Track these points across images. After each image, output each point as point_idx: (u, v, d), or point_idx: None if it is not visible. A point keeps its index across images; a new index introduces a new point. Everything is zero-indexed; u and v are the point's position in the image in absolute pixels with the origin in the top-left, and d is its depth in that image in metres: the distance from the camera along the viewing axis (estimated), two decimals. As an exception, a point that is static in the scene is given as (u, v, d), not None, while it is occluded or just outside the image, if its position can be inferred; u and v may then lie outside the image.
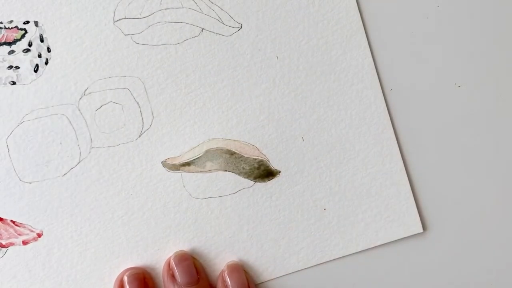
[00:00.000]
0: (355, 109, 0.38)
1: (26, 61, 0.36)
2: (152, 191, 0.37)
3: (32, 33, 0.36)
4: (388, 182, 0.38)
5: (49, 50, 0.36)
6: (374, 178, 0.38)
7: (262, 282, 0.38)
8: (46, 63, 0.36)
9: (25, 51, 0.36)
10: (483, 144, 0.39)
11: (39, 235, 0.37)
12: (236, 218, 0.38)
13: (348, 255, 0.38)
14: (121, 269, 0.37)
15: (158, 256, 0.37)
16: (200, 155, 0.37)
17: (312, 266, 0.38)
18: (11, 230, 0.37)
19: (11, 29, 0.36)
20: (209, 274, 0.38)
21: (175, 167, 0.37)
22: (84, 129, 0.37)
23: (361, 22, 0.38)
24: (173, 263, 0.36)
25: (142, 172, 0.37)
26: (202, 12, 0.37)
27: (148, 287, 0.36)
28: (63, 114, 0.37)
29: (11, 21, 0.36)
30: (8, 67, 0.36)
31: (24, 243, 0.37)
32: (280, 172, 0.38)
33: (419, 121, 0.39)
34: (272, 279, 0.38)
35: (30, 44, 0.36)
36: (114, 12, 0.36)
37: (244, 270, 0.37)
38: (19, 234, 0.37)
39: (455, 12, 0.39)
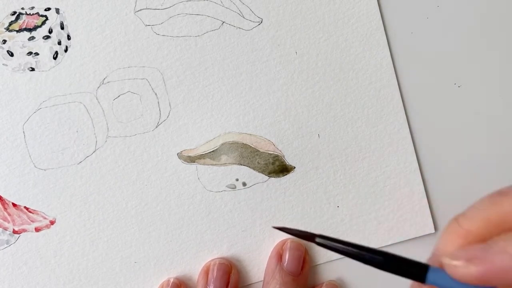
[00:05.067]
0: (372, 107, 0.38)
1: (45, 48, 0.36)
2: (166, 182, 0.37)
3: (53, 20, 0.36)
4: (402, 182, 0.38)
5: (69, 37, 0.36)
6: (389, 177, 0.38)
7: (272, 277, 0.38)
8: (66, 50, 0.36)
9: (45, 37, 0.36)
10: (495, 146, 0.39)
11: (52, 223, 0.37)
12: (249, 212, 0.38)
13: (359, 253, 0.38)
14: (132, 259, 0.37)
15: (170, 248, 0.37)
16: (215, 148, 0.37)
17: (323, 263, 0.39)
18: (24, 216, 0.37)
19: (32, 15, 0.36)
20: (221, 267, 0.38)
21: (191, 159, 0.37)
22: (101, 118, 0.37)
23: (381, 21, 0.38)
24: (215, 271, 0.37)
25: (157, 163, 0.37)
26: (223, 5, 0.37)
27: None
28: (80, 102, 0.37)
29: (33, 7, 0.36)
30: (28, 53, 0.36)
31: (37, 230, 0.37)
32: (294, 168, 0.38)
33: (432, 121, 0.39)
34: (283, 274, 0.38)
35: (50, 31, 0.36)
36: (136, 2, 0.36)
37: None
38: (32, 221, 0.37)
39: (455, 12, 0.39)
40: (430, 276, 0.25)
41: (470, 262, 0.23)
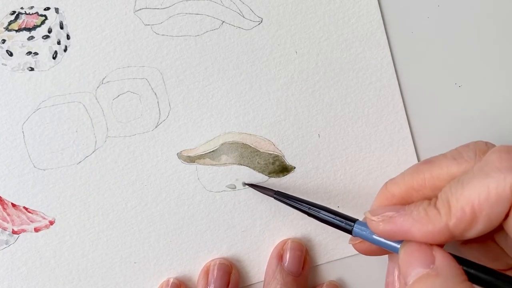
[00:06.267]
0: (372, 107, 0.38)
1: (45, 48, 0.36)
2: (166, 182, 0.37)
3: (52, 19, 0.36)
4: (403, 182, 0.38)
5: (68, 37, 0.36)
6: (389, 177, 0.38)
7: (272, 278, 0.38)
8: (65, 50, 0.36)
9: (44, 37, 0.36)
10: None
11: (51, 223, 0.37)
12: (249, 212, 0.38)
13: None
14: (132, 259, 0.37)
15: (170, 248, 0.37)
16: (215, 148, 0.37)
17: (323, 263, 0.38)
18: (24, 216, 0.37)
19: (32, 15, 0.36)
20: (221, 267, 0.38)
21: (190, 159, 0.37)
22: (101, 117, 0.37)
23: (381, 21, 0.38)
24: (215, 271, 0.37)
25: (157, 163, 0.37)
26: (223, 5, 0.37)
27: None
28: (80, 102, 0.36)
29: (32, 7, 0.36)
30: (27, 53, 0.36)
31: (36, 230, 0.37)
32: (295, 168, 0.38)
33: (432, 121, 0.39)
34: (283, 274, 0.38)
35: (49, 31, 0.36)
36: (135, 2, 0.36)
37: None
38: (31, 221, 0.37)
39: (455, 12, 0.39)
40: (356, 228, 0.30)
41: (382, 219, 0.28)
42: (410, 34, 0.38)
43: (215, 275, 0.36)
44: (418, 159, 0.38)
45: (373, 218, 0.29)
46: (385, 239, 0.29)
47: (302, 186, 0.38)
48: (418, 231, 0.27)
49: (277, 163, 0.38)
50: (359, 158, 0.38)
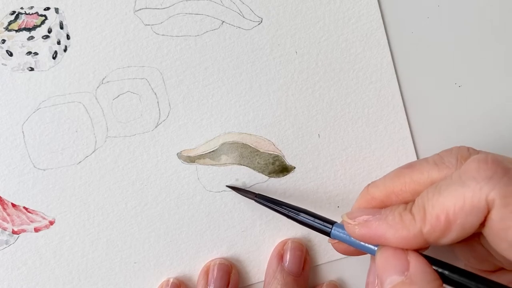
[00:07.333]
0: (372, 107, 0.38)
1: (45, 48, 0.36)
2: (166, 182, 0.37)
3: (52, 19, 0.36)
4: (403, 182, 0.38)
5: (68, 37, 0.36)
6: (389, 177, 0.38)
7: (272, 278, 0.38)
8: (65, 50, 0.36)
9: (44, 37, 0.36)
10: (496, 146, 0.39)
11: (51, 223, 0.37)
12: (249, 212, 0.38)
13: (360, 253, 0.38)
14: (132, 259, 0.37)
15: (170, 248, 0.37)
16: (215, 148, 0.37)
17: (323, 263, 0.38)
18: (24, 216, 0.37)
19: (31, 15, 0.36)
20: (221, 267, 0.38)
21: (190, 159, 0.37)
22: (101, 118, 0.37)
23: (381, 21, 0.38)
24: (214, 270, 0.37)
25: (157, 163, 0.37)
26: (223, 5, 0.37)
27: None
28: (80, 102, 0.36)
29: (32, 7, 0.36)
30: (27, 53, 0.36)
31: (36, 230, 0.37)
32: (295, 168, 0.38)
33: (432, 121, 0.39)
34: (283, 274, 0.38)
35: (49, 31, 0.36)
36: (135, 2, 0.36)
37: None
38: (31, 221, 0.37)
39: (455, 12, 0.39)
40: (334, 231, 0.31)
41: (358, 222, 0.28)
42: (410, 34, 0.38)
43: (215, 275, 0.36)
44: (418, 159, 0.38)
45: (350, 221, 0.29)
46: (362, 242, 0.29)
47: (302, 186, 0.38)
48: (392, 236, 0.27)
49: (277, 163, 0.38)
50: (359, 158, 0.38)
